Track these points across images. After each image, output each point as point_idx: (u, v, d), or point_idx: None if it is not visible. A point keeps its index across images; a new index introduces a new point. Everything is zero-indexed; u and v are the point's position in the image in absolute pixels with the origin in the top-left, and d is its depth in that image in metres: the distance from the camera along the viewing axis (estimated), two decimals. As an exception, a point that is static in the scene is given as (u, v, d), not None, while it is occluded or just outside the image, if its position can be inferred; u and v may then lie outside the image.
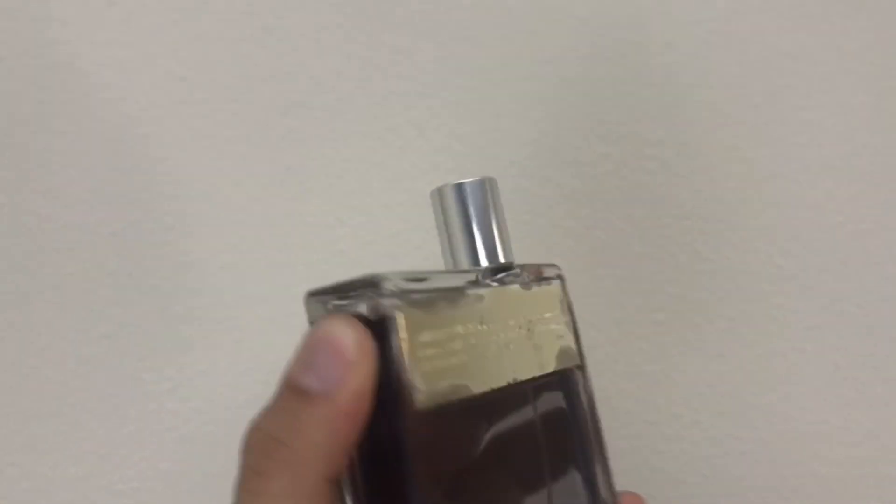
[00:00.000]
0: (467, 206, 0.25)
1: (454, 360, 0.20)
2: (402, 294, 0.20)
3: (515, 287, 0.23)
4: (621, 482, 0.28)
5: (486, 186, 0.26)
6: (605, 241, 0.46)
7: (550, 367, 0.23)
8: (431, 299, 0.21)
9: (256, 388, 0.45)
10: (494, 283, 0.23)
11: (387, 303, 0.20)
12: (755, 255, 0.46)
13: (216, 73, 0.47)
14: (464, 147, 0.47)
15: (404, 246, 0.47)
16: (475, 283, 0.22)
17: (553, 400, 0.24)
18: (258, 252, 0.47)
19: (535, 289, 0.24)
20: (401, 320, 0.20)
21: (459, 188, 0.26)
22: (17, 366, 0.46)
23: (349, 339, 0.20)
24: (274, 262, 0.47)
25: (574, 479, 0.24)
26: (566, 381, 0.25)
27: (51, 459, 0.45)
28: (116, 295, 0.47)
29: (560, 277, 0.26)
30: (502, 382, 0.22)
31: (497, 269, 0.24)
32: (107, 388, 0.46)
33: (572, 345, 0.25)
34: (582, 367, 0.25)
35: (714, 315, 0.46)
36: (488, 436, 0.22)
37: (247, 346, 0.45)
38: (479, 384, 0.21)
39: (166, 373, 0.46)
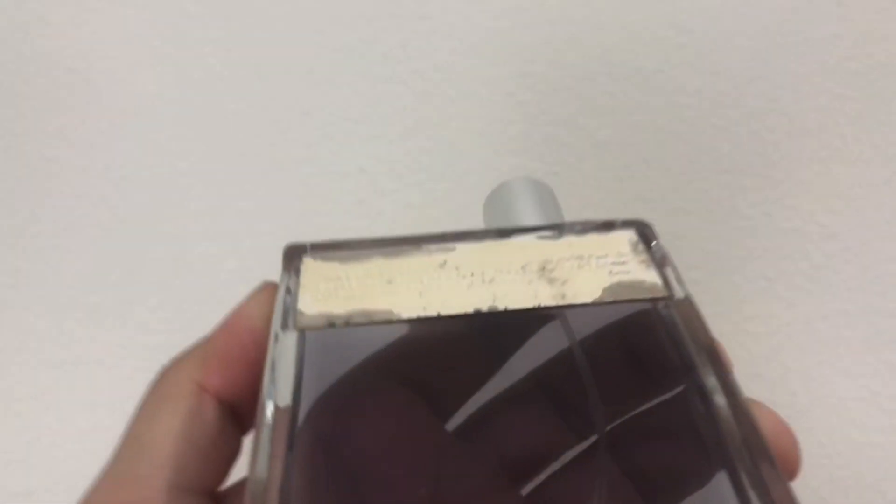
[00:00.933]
0: (511, 202, 0.26)
1: (372, 293, 0.21)
2: (316, 252, 0.22)
3: (521, 239, 0.23)
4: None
5: (529, 185, 0.27)
6: (638, 193, 0.44)
7: (582, 298, 0.20)
8: (352, 251, 0.22)
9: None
10: (487, 239, 0.23)
11: (301, 260, 0.23)
12: (796, 211, 0.44)
13: (232, 12, 0.45)
14: (490, 92, 0.44)
15: (427, 196, 0.45)
16: (447, 238, 0.23)
17: (614, 333, 0.20)
18: (276, 199, 0.45)
19: (571, 238, 0.22)
20: (302, 266, 0.22)
21: (503, 188, 0.27)
22: (21, 313, 0.44)
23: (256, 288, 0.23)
24: (292, 209, 0.44)
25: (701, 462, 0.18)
26: (642, 315, 0.20)
27: (56, 411, 0.44)
28: (125, 242, 0.45)
29: (637, 226, 0.23)
30: (466, 309, 0.20)
31: (523, 230, 0.24)
32: (114, 338, 0.44)
33: (652, 279, 0.21)
34: (673, 300, 0.21)
35: (752, 274, 0.43)
36: (479, 360, 0.20)
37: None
38: (416, 311, 0.20)
39: (176, 324, 0.44)
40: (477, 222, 0.27)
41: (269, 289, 0.22)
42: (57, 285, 0.44)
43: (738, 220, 0.44)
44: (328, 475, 0.17)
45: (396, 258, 0.22)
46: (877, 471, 0.42)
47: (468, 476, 0.18)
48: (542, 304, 0.20)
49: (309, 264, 0.22)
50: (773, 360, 0.43)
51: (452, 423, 0.18)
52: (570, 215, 0.26)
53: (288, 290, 0.21)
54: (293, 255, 0.22)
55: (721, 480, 0.17)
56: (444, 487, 0.17)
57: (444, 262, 0.21)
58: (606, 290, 0.20)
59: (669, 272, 0.21)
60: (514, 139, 0.44)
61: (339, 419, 0.18)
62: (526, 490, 0.17)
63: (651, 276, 0.21)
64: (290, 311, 0.20)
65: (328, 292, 0.20)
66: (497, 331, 0.20)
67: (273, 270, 0.47)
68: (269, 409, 0.18)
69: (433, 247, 0.22)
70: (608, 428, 0.18)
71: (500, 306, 0.20)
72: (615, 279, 0.21)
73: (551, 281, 0.20)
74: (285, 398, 0.18)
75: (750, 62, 0.44)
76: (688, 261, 0.43)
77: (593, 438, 0.18)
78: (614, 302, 0.20)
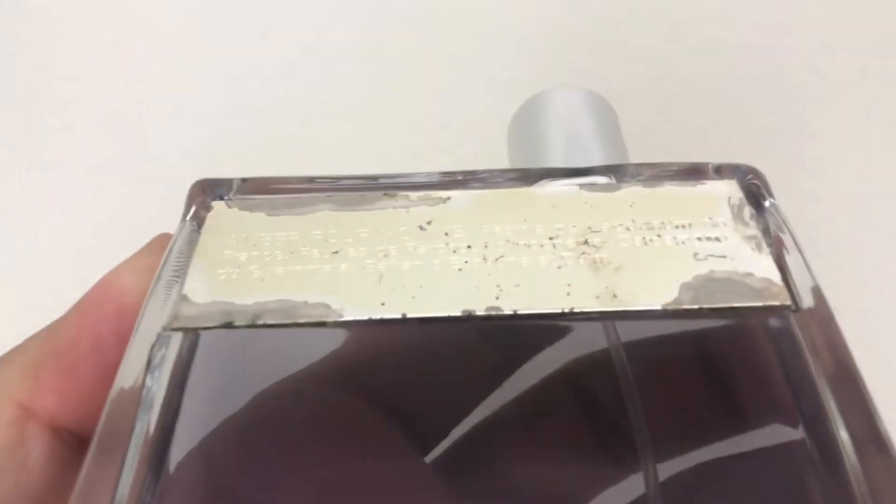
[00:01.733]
0: (545, 127, 0.19)
1: (304, 270, 0.13)
2: (239, 194, 0.15)
3: (555, 188, 0.14)
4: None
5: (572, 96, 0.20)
6: (658, 148, 0.41)
7: (646, 300, 0.12)
8: (289, 196, 0.14)
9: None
10: (501, 186, 0.15)
11: (210, 206, 0.15)
12: (823, 175, 0.41)
13: None
14: (503, 35, 0.41)
15: (431, 142, 0.42)
16: (436, 183, 0.15)
17: (690, 350, 0.13)
18: (271, 142, 0.42)
19: (635, 191, 0.14)
20: (209, 216, 0.14)
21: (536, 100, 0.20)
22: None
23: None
24: (289, 153, 0.42)
25: None
26: (742, 330, 0.13)
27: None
28: (113, 180, 0.42)
29: (741, 176, 0.16)
30: (450, 310, 0.12)
31: (563, 173, 0.15)
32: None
33: (765, 272, 0.13)
34: (799, 311, 0.12)
35: (772, 239, 0.41)
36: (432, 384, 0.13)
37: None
38: (368, 308, 0.12)
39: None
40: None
41: (160, 245, 0.14)
42: (42, 224, 0.42)
43: (761, 180, 0.41)
44: None
45: (354, 210, 0.14)
46: None
47: None
48: (577, 309, 0.12)
49: (220, 213, 0.14)
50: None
51: (436, 455, 0.12)
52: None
53: (172, 257, 0.13)
54: (200, 197, 0.14)
55: None
56: None
57: (429, 221, 0.14)
58: (687, 289, 0.12)
59: (794, 259, 0.13)
60: (527, 86, 0.41)
61: (256, 454, 0.11)
62: None
63: (764, 266, 0.13)
64: (167, 295, 0.13)
65: (236, 265, 0.13)
66: (502, 340, 0.13)
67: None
68: (126, 436, 0.11)
69: (415, 195, 0.14)
70: (669, 484, 0.11)
71: (506, 308, 0.12)
72: (702, 268, 0.13)
73: (596, 265, 0.13)
74: (142, 433, 0.11)
75: (781, 14, 0.41)
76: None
77: (640, 494, 0.11)
78: (699, 311, 0.12)
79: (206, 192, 0.14)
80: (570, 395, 0.12)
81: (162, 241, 0.14)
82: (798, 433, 0.11)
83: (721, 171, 0.15)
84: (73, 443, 0.13)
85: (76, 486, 0.10)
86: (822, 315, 0.12)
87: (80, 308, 0.14)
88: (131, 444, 0.11)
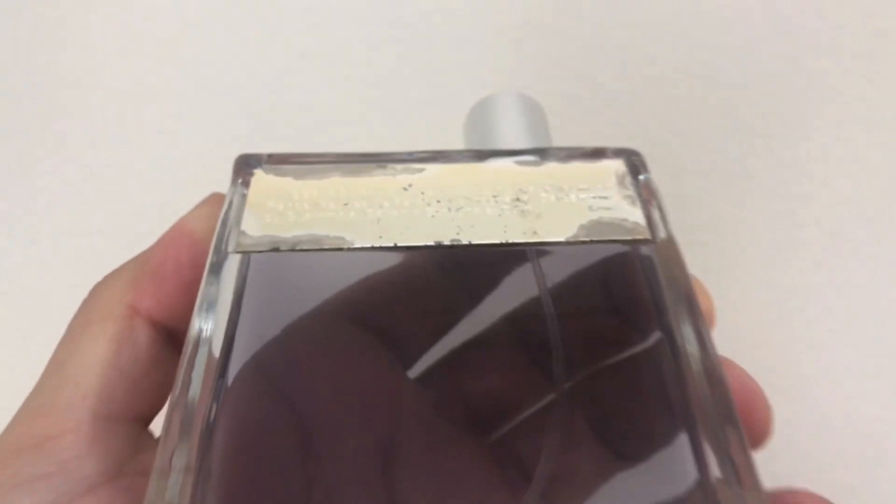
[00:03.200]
0: (492, 120, 0.25)
1: (324, 215, 0.19)
2: (272, 164, 0.21)
3: (498, 163, 0.21)
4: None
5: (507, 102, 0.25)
6: (648, 152, 0.42)
7: (555, 235, 0.18)
8: (309, 166, 0.21)
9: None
10: (461, 162, 0.21)
11: (252, 173, 0.21)
12: (810, 176, 0.42)
13: None
14: (496, 40, 0.42)
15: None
16: (416, 158, 0.21)
17: (590, 276, 0.18)
18: (270, 145, 0.43)
19: (553, 165, 0.20)
20: (252, 180, 0.20)
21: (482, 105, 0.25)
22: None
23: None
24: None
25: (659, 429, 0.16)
26: (621, 258, 0.19)
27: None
28: (112, 186, 0.43)
29: (626, 156, 0.22)
30: (426, 241, 0.18)
31: (498, 154, 0.22)
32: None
33: (635, 218, 0.19)
34: (655, 242, 0.19)
35: (762, 239, 0.41)
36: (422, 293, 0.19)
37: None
38: (371, 240, 0.18)
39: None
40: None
41: (215, 200, 0.20)
42: (44, 229, 0.43)
43: (750, 182, 0.42)
44: (269, 411, 0.16)
45: (357, 177, 0.20)
46: (880, 445, 0.40)
47: (429, 425, 0.16)
48: (510, 241, 0.18)
49: (260, 178, 0.20)
50: (779, 327, 0.41)
51: (415, 371, 0.17)
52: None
53: (232, 207, 0.19)
54: (244, 167, 0.20)
55: (682, 441, 0.16)
56: (403, 436, 0.16)
57: (410, 185, 0.20)
58: (583, 228, 0.19)
59: (654, 210, 0.20)
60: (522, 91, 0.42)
61: (287, 356, 0.16)
62: (489, 440, 0.16)
63: (635, 215, 0.19)
64: (232, 231, 0.19)
65: (276, 212, 0.19)
66: (462, 267, 0.18)
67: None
68: (201, 333, 0.17)
69: (399, 167, 0.21)
70: (575, 378, 0.17)
71: (464, 240, 0.18)
72: (594, 216, 0.19)
73: (524, 214, 0.19)
74: (220, 324, 0.17)
75: (770, 17, 0.42)
76: (696, 222, 0.41)
77: (561, 389, 0.17)
78: (590, 242, 0.18)
79: (246, 163, 0.21)
80: (509, 322, 0.18)
81: (216, 197, 0.20)
82: (657, 337, 0.17)
83: (616, 153, 0.21)
84: (164, 334, 0.19)
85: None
86: (671, 248, 0.19)
87: (163, 242, 0.19)
88: (199, 334, 0.17)
